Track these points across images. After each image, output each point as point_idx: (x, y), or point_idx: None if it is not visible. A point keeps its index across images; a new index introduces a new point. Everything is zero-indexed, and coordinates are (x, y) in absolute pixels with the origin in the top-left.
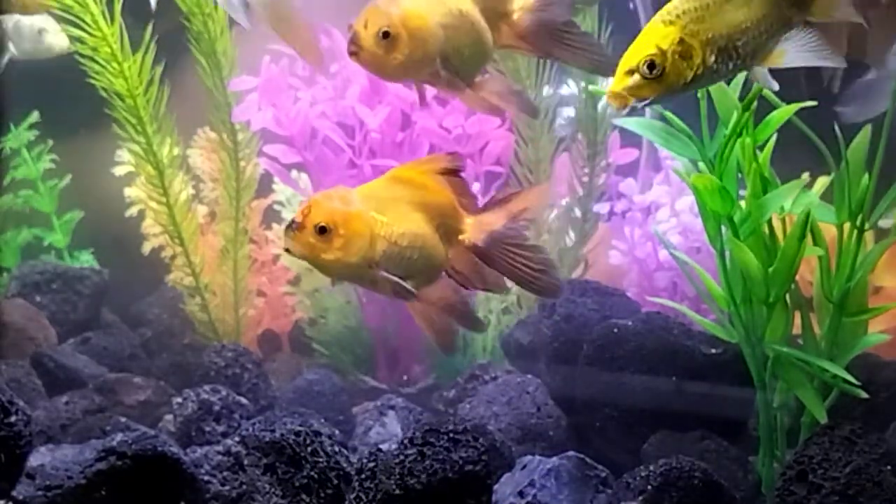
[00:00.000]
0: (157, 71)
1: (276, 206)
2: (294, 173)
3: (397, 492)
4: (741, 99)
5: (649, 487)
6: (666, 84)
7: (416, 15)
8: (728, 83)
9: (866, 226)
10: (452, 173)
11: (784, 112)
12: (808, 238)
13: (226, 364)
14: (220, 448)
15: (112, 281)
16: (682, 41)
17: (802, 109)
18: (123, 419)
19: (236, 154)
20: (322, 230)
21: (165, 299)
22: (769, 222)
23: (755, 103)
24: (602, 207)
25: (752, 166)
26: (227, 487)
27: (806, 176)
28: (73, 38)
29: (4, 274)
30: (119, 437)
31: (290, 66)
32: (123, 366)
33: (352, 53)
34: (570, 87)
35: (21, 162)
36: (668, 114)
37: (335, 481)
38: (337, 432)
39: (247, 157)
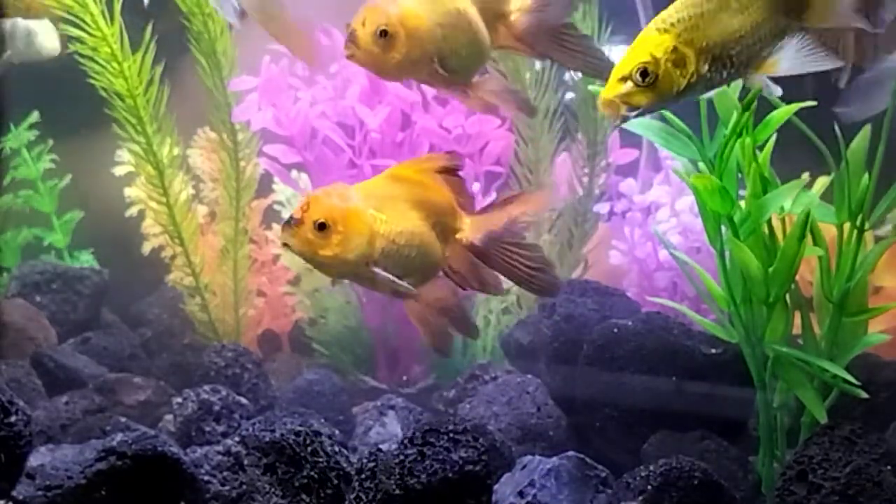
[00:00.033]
0: (157, 71)
1: (276, 206)
2: (294, 173)
3: (397, 492)
4: (741, 99)
5: (649, 487)
6: (659, 92)
7: (414, 14)
8: (728, 83)
9: (866, 226)
10: (451, 172)
11: (784, 112)
12: (808, 238)
13: (226, 364)
14: (220, 448)
15: (112, 281)
16: (675, 49)
17: (802, 109)
18: (123, 419)
19: (236, 154)
20: (321, 227)
21: (165, 299)
22: (769, 222)
23: (755, 103)
24: (602, 207)
25: (752, 166)
26: (227, 487)
27: (806, 176)
28: (72, 38)
29: (4, 274)
30: (119, 437)
31: (290, 66)
32: (123, 366)
33: (349, 56)
34: None
35: (21, 162)
36: (668, 114)
37: (335, 481)
38: (337, 432)
39: (247, 157)
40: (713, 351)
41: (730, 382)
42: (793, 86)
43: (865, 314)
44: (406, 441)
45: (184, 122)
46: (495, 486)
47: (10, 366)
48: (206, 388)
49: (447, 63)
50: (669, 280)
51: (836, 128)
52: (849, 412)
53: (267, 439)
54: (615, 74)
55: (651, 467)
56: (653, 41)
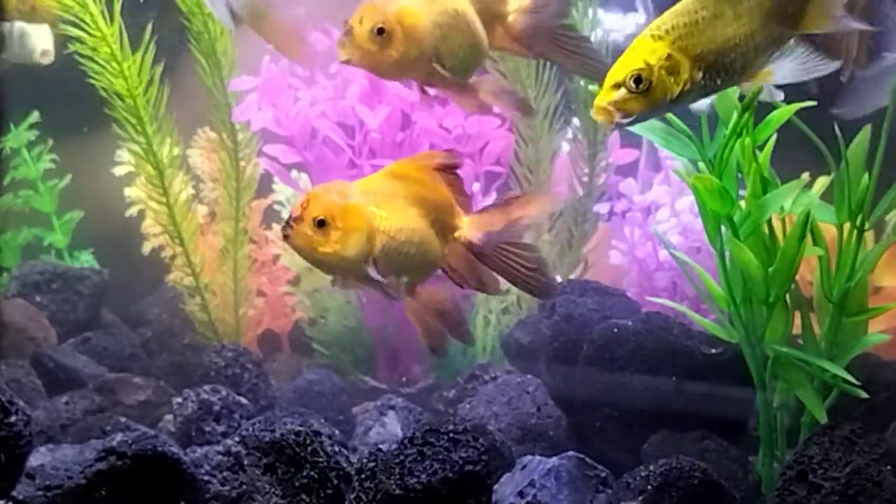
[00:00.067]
0: (157, 71)
1: (276, 206)
2: (294, 173)
3: (397, 492)
4: (741, 99)
5: (649, 487)
6: (652, 99)
7: (412, 13)
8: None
9: (866, 226)
10: (449, 169)
11: (784, 112)
12: (808, 238)
13: (226, 364)
14: (220, 448)
15: (112, 281)
16: (669, 56)
17: (802, 109)
18: (123, 419)
19: (236, 154)
20: (320, 223)
21: (165, 299)
22: (769, 222)
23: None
24: (602, 207)
25: (752, 166)
26: (227, 487)
27: (806, 176)
28: (72, 38)
29: (4, 274)
30: (119, 437)
31: (290, 66)
32: (123, 366)
33: (343, 60)
34: None
35: (21, 162)
36: (669, 114)
37: (335, 481)
38: (337, 432)
39: (247, 157)
40: (713, 351)
41: (730, 382)
42: (792, 86)
43: (865, 314)
44: (406, 441)
45: (184, 122)
46: (495, 486)
47: (10, 366)
48: (206, 388)
49: (444, 63)
50: (669, 280)
51: (836, 128)
52: (849, 412)
53: (267, 439)
54: (609, 81)
55: (651, 467)
56: (647, 48)
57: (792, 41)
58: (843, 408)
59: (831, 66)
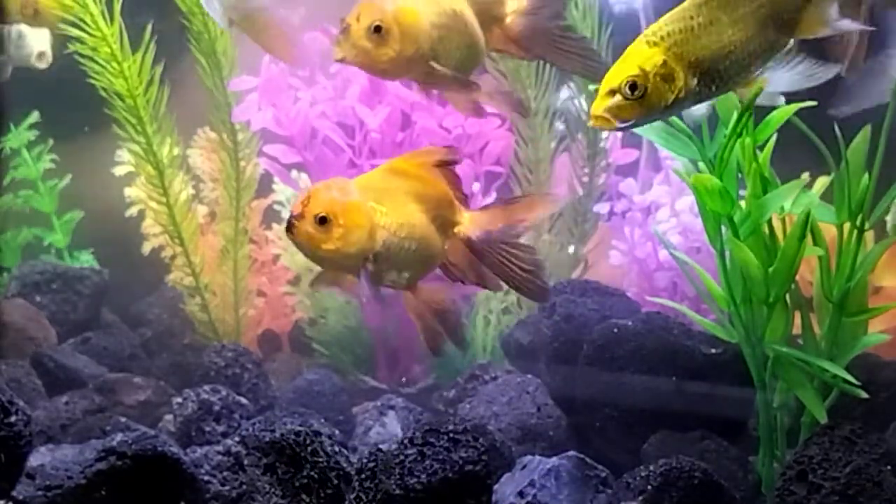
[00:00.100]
0: (157, 71)
1: (276, 206)
2: (294, 173)
3: (397, 492)
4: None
5: (649, 487)
6: (647, 105)
7: (410, 12)
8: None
9: (866, 226)
10: (448, 165)
11: (784, 112)
12: (808, 238)
13: (226, 364)
14: (220, 448)
15: (112, 281)
16: (665, 63)
17: (802, 109)
18: (123, 419)
19: (236, 154)
20: (322, 220)
21: (165, 299)
22: (769, 222)
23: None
24: (602, 207)
25: (752, 166)
26: (227, 487)
27: (806, 176)
28: (72, 38)
29: (4, 274)
30: (119, 437)
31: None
32: (123, 366)
33: (338, 58)
34: None
35: (21, 162)
36: None
37: (335, 481)
38: (337, 432)
39: (247, 157)
40: (713, 351)
41: (730, 382)
42: None
43: (865, 314)
44: (406, 441)
45: (184, 122)
46: (495, 486)
47: (10, 366)
48: (206, 388)
49: (441, 63)
50: (669, 280)
51: (836, 128)
52: (849, 412)
53: (267, 439)
54: (604, 87)
55: (651, 467)
56: (642, 54)
57: (791, 43)
58: (843, 408)
59: (828, 74)
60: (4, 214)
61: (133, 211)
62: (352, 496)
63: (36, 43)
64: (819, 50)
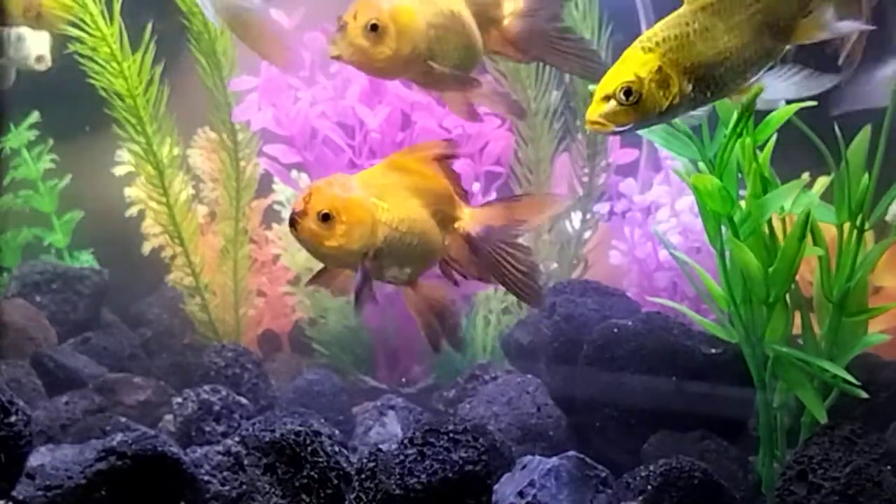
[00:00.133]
0: (157, 71)
1: (276, 206)
2: (294, 173)
3: (397, 492)
4: None
5: (649, 487)
6: (642, 111)
7: (407, 11)
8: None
9: (866, 226)
10: (447, 159)
11: (784, 112)
12: (808, 238)
13: (226, 364)
14: (220, 448)
15: (112, 281)
16: (660, 69)
17: (802, 109)
18: (123, 419)
19: (236, 154)
20: (324, 217)
21: (165, 299)
22: (769, 222)
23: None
24: (602, 207)
25: (752, 166)
26: (227, 487)
27: (806, 176)
28: (72, 38)
29: (4, 274)
30: (119, 437)
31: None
32: (123, 366)
33: (334, 55)
34: None
35: (21, 162)
36: None
37: (335, 481)
38: (337, 432)
39: (247, 157)
40: (713, 351)
41: (730, 382)
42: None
43: (865, 314)
44: (406, 441)
45: (184, 122)
46: (495, 486)
47: (10, 366)
48: (206, 388)
49: (438, 64)
50: (669, 280)
51: (836, 128)
52: (849, 412)
53: (267, 439)
54: (599, 93)
55: (651, 467)
56: (637, 60)
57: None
58: (843, 408)
59: (826, 83)
60: (4, 214)
61: (133, 211)
62: (352, 496)
63: (35, 46)
64: (816, 43)
